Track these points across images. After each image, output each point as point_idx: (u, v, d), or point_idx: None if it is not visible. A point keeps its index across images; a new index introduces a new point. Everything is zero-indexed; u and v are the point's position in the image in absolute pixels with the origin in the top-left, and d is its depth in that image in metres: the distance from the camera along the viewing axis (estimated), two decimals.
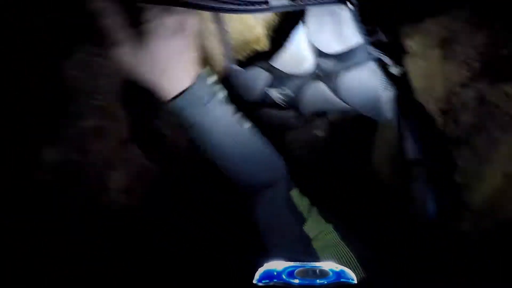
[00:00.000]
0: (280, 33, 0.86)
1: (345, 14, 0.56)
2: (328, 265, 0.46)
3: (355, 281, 0.44)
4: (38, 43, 0.49)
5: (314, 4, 0.59)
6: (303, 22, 0.68)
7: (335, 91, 0.69)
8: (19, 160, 0.49)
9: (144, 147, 0.69)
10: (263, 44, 0.93)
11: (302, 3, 0.58)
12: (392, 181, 0.66)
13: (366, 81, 0.60)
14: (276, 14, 0.86)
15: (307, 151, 0.78)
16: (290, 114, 0.80)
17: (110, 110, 0.57)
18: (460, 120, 0.52)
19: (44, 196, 0.51)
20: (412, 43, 0.62)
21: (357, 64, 0.60)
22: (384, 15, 0.64)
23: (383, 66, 0.57)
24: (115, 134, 0.58)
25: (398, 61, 0.61)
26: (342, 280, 0.44)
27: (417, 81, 0.61)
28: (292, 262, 0.46)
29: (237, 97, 0.86)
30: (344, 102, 0.70)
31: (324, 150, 0.67)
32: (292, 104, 0.80)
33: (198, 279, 0.54)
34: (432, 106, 0.58)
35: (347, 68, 0.62)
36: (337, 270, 0.45)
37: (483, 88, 0.49)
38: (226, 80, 0.86)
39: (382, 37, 0.59)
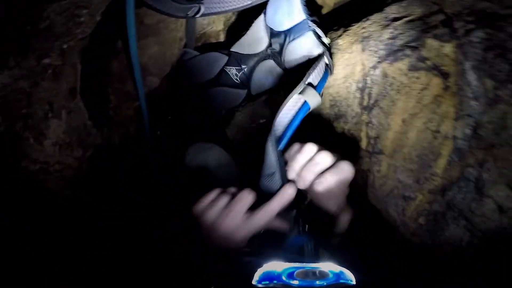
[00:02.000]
0: (240, 25, 1.00)
1: None
2: (328, 267, 0.46)
3: (354, 283, 0.44)
4: None
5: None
6: (264, 11, 0.83)
7: (280, 65, 0.83)
8: None
9: (90, 108, 0.72)
10: (221, 38, 1.06)
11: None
12: None
13: (304, 44, 0.77)
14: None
15: (250, 127, 0.87)
16: (242, 91, 0.91)
17: (73, 58, 0.61)
18: (372, 92, 0.66)
19: None
20: (341, 41, 0.79)
21: (300, 35, 0.76)
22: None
23: (316, 35, 0.74)
24: (69, 80, 0.61)
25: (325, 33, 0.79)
26: (341, 281, 0.44)
27: (343, 69, 0.76)
28: (292, 263, 0.46)
29: (195, 77, 0.95)
30: (286, 69, 0.84)
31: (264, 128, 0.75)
32: (246, 81, 0.92)
33: (198, 280, 0.51)
34: (353, 87, 0.72)
35: (293, 39, 0.75)
36: (337, 271, 0.45)
37: (386, 67, 0.64)
38: (183, 63, 0.95)
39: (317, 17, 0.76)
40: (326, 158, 0.54)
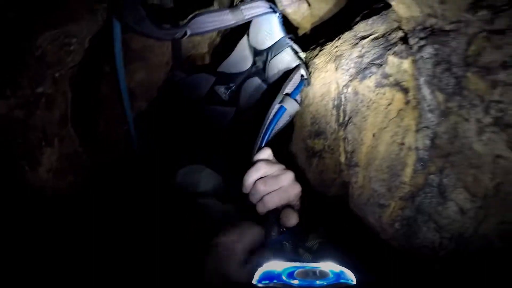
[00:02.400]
0: (225, 46, 1.07)
1: (274, 18, 0.88)
2: (328, 266, 0.47)
3: (355, 282, 0.45)
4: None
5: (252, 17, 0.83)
6: (247, 32, 0.90)
7: (265, 81, 0.90)
8: None
9: (80, 134, 0.75)
10: (206, 60, 1.12)
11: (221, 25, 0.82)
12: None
13: (284, 59, 0.88)
14: (218, 33, 1.08)
15: (239, 141, 0.92)
16: (230, 109, 0.97)
17: (64, 86, 0.65)
18: (346, 109, 0.73)
19: None
20: (318, 61, 0.85)
21: (279, 51, 0.87)
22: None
23: (294, 50, 0.85)
24: (61, 108, 0.65)
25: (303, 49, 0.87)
26: (341, 281, 0.45)
27: (320, 88, 0.83)
28: (292, 263, 0.47)
29: (184, 98, 1.00)
30: (270, 84, 0.91)
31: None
32: (234, 98, 0.98)
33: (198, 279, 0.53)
34: (330, 104, 0.79)
35: (274, 56, 0.83)
36: (337, 271, 0.46)
37: (356, 85, 0.70)
38: (172, 85, 1.00)
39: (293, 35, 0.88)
40: (274, 181, 0.61)
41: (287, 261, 0.47)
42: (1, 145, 0.52)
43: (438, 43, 0.55)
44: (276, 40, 0.88)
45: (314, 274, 0.46)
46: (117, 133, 0.88)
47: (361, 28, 0.77)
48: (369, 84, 0.67)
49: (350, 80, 0.73)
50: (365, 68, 0.70)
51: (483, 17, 0.48)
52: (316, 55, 0.87)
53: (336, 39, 0.83)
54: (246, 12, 0.86)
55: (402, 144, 0.59)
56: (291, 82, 0.78)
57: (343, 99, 0.74)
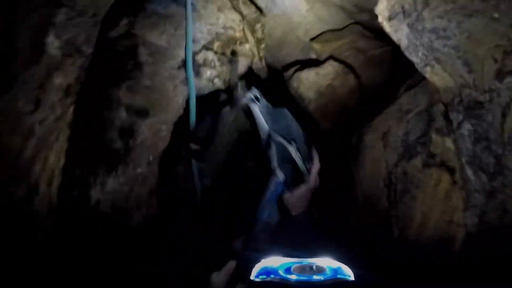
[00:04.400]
0: None
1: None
2: (325, 262, 0.48)
3: (352, 278, 0.46)
4: None
5: None
6: None
7: None
8: None
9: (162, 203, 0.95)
10: None
11: None
12: None
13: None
14: None
15: None
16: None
17: (154, 167, 0.87)
18: (396, 189, 0.78)
19: None
20: (367, 138, 0.94)
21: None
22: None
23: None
24: (151, 184, 0.86)
25: None
26: (338, 276, 0.46)
27: (370, 167, 0.90)
28: (289, 258, 0.50)
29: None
30: None
31: None
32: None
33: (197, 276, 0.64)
34: (380, 184, 0.85)
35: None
36: (334, 266, 0.47)
37: (405, 165, 0.77)
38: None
39: None
40: None
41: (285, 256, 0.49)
42: (112, 208, 0.72)
43: (474, 117, 0.57)
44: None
45: (311, 269, 0.46)
46: (188, 205, 1.06)
47: (405, 101, 0.83)
48: (416, 164, 0.73)
49: (399, 160, 0.79)
50: (411, 147, 0.76)
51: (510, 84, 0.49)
52: (364, 132, 0.95)
53: (383, 113, 0.89)
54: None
55: (451, 221, 0.62)
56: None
57: (393, 179, 0.80)
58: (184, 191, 1.08)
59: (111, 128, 0.76)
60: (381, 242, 0.81)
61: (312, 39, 1.42)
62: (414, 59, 0.67)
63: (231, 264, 0.69)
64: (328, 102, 1.22)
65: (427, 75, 0.66)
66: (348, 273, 0.47)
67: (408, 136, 0.78)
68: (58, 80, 0.60)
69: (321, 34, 1.38)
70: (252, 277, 0.48)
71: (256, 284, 0.48)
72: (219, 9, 1.22)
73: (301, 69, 1.33)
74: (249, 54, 1.31)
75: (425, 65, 0.65)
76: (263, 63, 1.42)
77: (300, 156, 0.87)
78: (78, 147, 0.69)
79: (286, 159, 0.88)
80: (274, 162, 0.88)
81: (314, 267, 0.47)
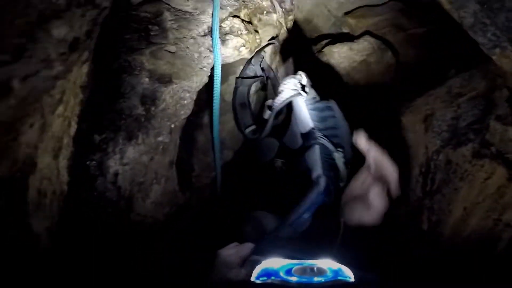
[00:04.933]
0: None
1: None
2: (326, 263, 0.48)
3: (352, 279, 0.46)
4: None
5: None
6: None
7: None
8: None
9: (179, 175, 0.92)
10: None
11: None
12: None
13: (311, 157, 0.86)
14: None
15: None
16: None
17: (176, 136, 0.82)
18: (435, 178, 0.72)
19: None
20: (404, 119, 0.86)
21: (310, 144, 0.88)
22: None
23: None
24: (171, 154, 0.82)
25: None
26: (339, 278, 0.46)
27: (405, 150, 0.83)
28: (290, 260, 0.50)
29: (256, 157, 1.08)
30: None
31: None
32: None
33: (197, 277, 0.63)
34: (416, 170, 0.78)
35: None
36: (335, 268, 0.47)
37: (449, 153, 0.70)
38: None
39: None
40: None
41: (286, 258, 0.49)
42: (129, 183, 0.69)
43: None
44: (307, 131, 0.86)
45: (312, 271, 0.46)
46: (207, 177, 1.04)
47: (457, 83, 0.75)
48: (465, 153, 0.66)
49: (442, 146, 0.72)
50: (461, 134, 0.69)
51: None
52: (403, 112, 0.87)
53: (427, 94, 0.81)
54: None
55: (499, 220, 0.56)
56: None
57: (432, 166, 0.73)
58: (202, 165, 1.04)
59: (133, 94, 0.71)
60: (408, 236, 0.76)
61: (346, 14, 1.32)
62: (480, 39, 0.60)
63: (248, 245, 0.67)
64: (361, 78, 1.14)
65: (495, 57, 0.60)
66: (349, 274, 0.47)
67: (458, 121, 0.70)
68: (59, 30, 0.47)
69: (356, 9, 1.29)
70: (253, 279, 0.48)
71: (257, 286, 0.48)
72: None
73: (332, 43, 1.25)
74: (276, 25, 1.23)
75: (494, 46, 0.58)
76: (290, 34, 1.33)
77: (344, 165, 0.76)
78: (95, 113, 0.64)
79: (329, 166, 0.77)
80: (319, 169, 0.76)
81: (315, 268, 0.47)
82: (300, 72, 0.91)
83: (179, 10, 0.89)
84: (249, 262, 0.63)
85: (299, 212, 0.75)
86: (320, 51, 1.24)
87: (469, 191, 0.62)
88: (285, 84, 0.91)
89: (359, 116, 1.03)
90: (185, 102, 0.83)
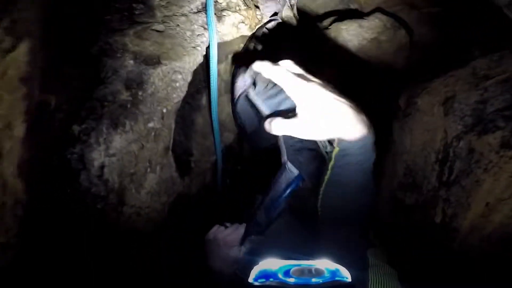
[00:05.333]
0: None
1: None
2: (324, 264, 0.48)
3: (350, 280, 0.46)
4: None
5: None
6: None
7: None
8: None
9: (177, 161, 0.87)
10: None
11: None
12: None
13: None
14: None
15: None
16: None
17: (169, 120, 0.77)
18: (454, 167, 0.64)
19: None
20: (420, 101, 0.78)
21: None
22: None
23: None
24: (165, 140, 0.77)
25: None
26: (337, 278, 0.46)
27: (421, 134, 0.75)
28: (288, 261, 0.49)
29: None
30: None
31: None
32: None
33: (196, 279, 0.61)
34: (432, 157, 0.71)
35: None
36: (332, 269, 0.47)
37: (472, 140, 0.62)
38: None
39: None
40: None
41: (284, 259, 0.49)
42: (118, 175, 0.64)
43: None
44: None
45: (309, 272, 0.46)
46: (206, 162, 0.99)
47: (484, 65, 0.65)
48: (491, 142, 0.58)
49: (465, 132, 0.64)
50: (488, 120, 0.61)
51: None
52: (419, 93, 0.79)
53: (447, 75, 0.73)
54: None
55: None
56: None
57: (451, 154, 0.66)
58: (202, 149, 0.99)
59: (115, 79, 0.64)
60: (416, 228, 0.70)
61: None
62: None
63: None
64: (372, 57, 1.05)
65: None
66: (346, 275, 0.46)
67: (486, 106, 0.61)
68: None
69: None
70: (250, 280, 0.48)
71: None
72: None
73: (340, 20, 1.14)
74: (278, 0, 1.14)
75: None
76: (294, 10, 1.23)
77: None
78: (72, 100, 0.58)
79: (296, 151, 0.71)
80: (284, 155, 0.73)
81: (313, 269, 0.47)
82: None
83: None
84: (248, 240, 0.69)
85: (267, 197, 0.74)
86: (327, 28, 1.14)
87: (494, 185, 0.55)
88: (234, 82, 0.86)
89: (369, 96, 0.96)
90: (178, 84, 0.76)
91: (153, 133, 0.72)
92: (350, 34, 1.12)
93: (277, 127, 0.56)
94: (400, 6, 1.06)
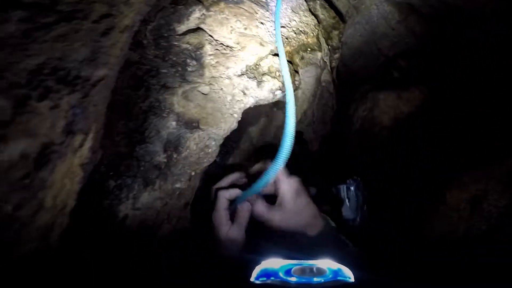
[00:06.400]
0: None
1: None
2: (326, 263, 0.48)
3: (352, 280, 0.46)
4: None
5: None
6: None
7: None
8: None
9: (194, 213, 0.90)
10: None
11: None
12: None
13: None
14: None
15: None
16: None
17: (195, 182, 0.80)
18: None
19: None
20: (448, 194, 0.75)
21: None
22: None
23: None
24: (187, 198, 0.79)
25: None
26: (339, 278, 0.46)
27: (443, 227, 0.73)
28: (290, 260, 0.50)
29: None
30: None
31: None
32: None
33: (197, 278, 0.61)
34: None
35: None
36: (335, 268, 0.47)
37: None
38: None
39: None
40: None
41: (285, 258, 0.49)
42: (141, 229, 0.68)
43: None
44: None
45: (311, 271, 0.47)
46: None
47: None
48: None
49: (487, 232, 0.61)
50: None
51: None
52: (449, 187, 0.75)
53: (477, 171, 0.69)
54: None
55: None
56: None
57: None
58: None
59: (157, 139, 0.69)
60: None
61: (397, 55, 1.24)
62: None
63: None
64: (405, 135, 1.04)
65: None
66: (348, 274, 0.46)
67: None
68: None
69: (409, 49, 1.20)
70: (252, 279, 0.48)
71: (256, 287, 0.48)
72: (293, 10, 1.11)
73: (378, 88, 1.17)
74: (319, 64, 1.18)
75: None
76: (334, 75, 1.28)
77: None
78: (115, 156, 0.64)
79: None
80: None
81: (314, 269, 0.47)
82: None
83: (221, 43, 0.86)
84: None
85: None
86: (364, 96, 1.16)
87: None
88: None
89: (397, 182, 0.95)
90: (210, 150, 0.79)
91: (178, 192, 0.76)
92: (387, 106, 1.13)
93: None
94: None
